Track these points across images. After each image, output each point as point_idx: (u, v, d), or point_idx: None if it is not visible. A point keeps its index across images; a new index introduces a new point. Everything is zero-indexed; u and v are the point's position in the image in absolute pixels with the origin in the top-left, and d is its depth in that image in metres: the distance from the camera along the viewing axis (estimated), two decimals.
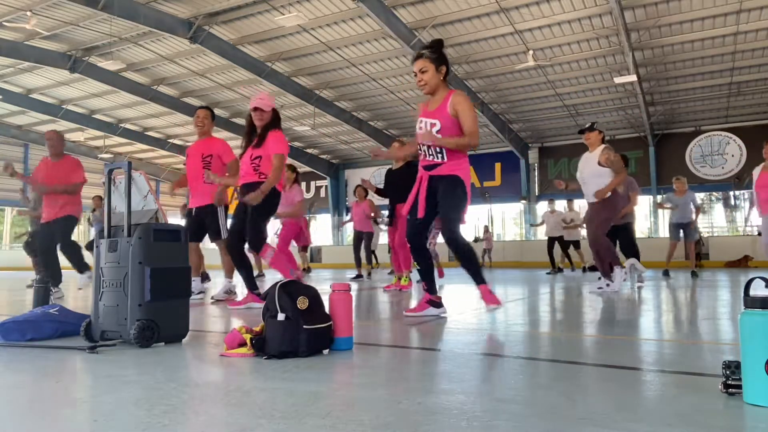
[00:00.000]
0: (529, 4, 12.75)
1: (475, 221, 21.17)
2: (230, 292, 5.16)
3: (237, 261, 4.42)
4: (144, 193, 2.74)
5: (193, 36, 14.17)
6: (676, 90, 17.30)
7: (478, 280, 3.61)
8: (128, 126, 22.81)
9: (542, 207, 23.43)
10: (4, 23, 14.02)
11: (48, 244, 5.81)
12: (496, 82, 17.14)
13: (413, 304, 4.25)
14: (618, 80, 15.27)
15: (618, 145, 18.16)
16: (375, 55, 15.69)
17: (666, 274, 8.68)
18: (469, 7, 12.94)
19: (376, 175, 25.08)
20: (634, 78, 14.82)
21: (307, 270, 14.46)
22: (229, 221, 5.12)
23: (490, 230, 19.28)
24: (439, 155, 3.46)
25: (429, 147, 3.48)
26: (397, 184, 6.30)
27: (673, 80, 16.59)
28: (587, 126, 5.76)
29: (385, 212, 7.64)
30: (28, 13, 13.29)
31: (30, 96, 19.94)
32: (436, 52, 3.44)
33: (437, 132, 3.39)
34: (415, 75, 3.49)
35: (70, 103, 20.62)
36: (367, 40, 14.92)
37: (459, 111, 3.38)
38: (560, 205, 12.72)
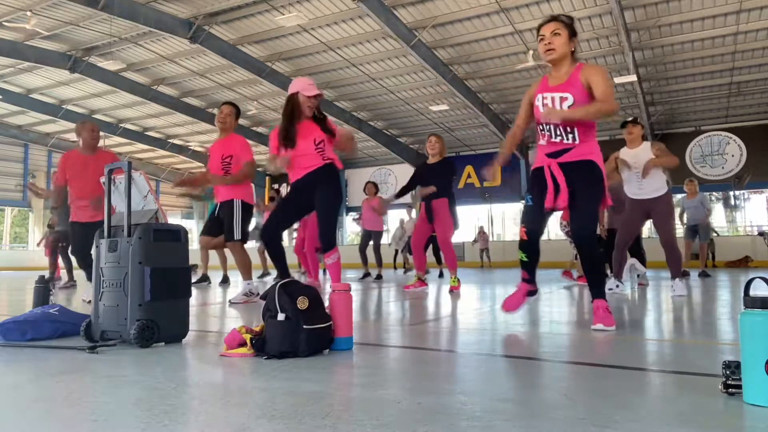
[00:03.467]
0: (529, 4, 12.75)
1: (474, 221, 21.20)
2: (250, 294, 4.88)
3: (273, 255, 4.19)
4: (144, 193, 2.74)
5: (193, 36, 14.17)
6: (676, 90, 17.30)
7: (597, 293, 3.02)
8: (128, 126, 22.81)
9: None
10: (4, 23, 14.02)
11: (85, 244, 5.69)
12: (496, 82, 17.15)
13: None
14: (618, 80, 15.26)
15: (618, 145, 18.13)
16: (375, 55, 15.69)
17: (685, 274, 8.64)
18: (469, 7, 12.94)
19: (376, 175, 25.08)
20: (634, 78, 14.82)
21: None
22: (255, 221, 5.00)
23: (486, 230, 19.31)
24: (570, 136, 2.94)
25: (556, 127, 2.96)
26: (431, 179, 6.07)
27: (673, 80, 16.59)
28: (630, 119, 5.33)
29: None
30: (28, 13, 13.29)
31: (30, 96, 19.94)
32: (571, 21, 3.01)
33: (569, 108, 2.90)
34: (541, 40, 2.97)
35: (70, 103, 20.62)
36: (367, 40, 14.92)
37: (592, 78, 2.86)
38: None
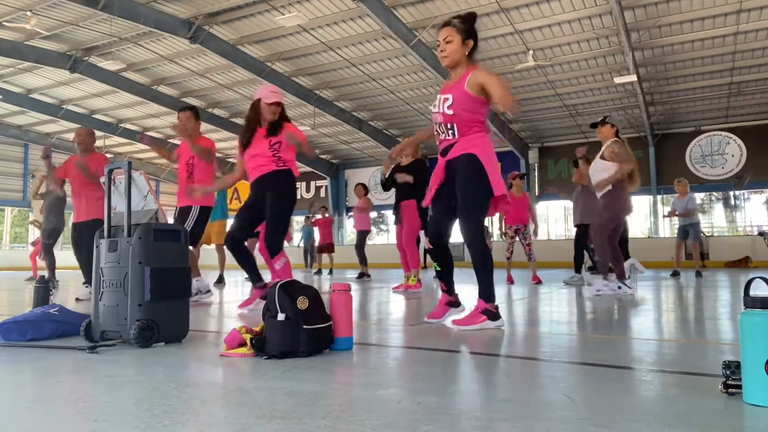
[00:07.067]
0: (529, 4, 12.75)
1: None
2: (199, 292, 5.00)
3: (236, 258, 4.20)
4: (144, 193, 2.74)
5: (193, 36, 14.17)
6: (676, 90, 17.30)
7: (482, 293, 3.03)
8: (128, 126, 22.81)
9: (541, 207, 23.49)
10: (4, 23, 14.02)
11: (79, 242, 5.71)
12: None
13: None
14: (618, 80, 15.26)
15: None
16: (375, 55, 15.69)
17: (676, 274, 8.68)
18: (469, 7, 12.94)
19: (376, 175, 25.08)
20: (634, 78, 14.82)
21: (319, 272, 14.57)
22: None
23: (490, 230, 19.34)
24: (450, 132, 3.05)
25: (440, 125, 3.08)
26: (399, 181, 6.14)
27: (673, 80, 16.58)
28: (600, 120, 5.42)
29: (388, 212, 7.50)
30: (28, 13, 13.29)
31: (30, 96, 19.93)
32: (466, 23, 3.05)
33: (449, 107, 3.01)
34: (438, 45, 3.10)
35: (70, 103, 20.61)
36: (367, 40, 14.92)
37: (485, 83, 2.90)
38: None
